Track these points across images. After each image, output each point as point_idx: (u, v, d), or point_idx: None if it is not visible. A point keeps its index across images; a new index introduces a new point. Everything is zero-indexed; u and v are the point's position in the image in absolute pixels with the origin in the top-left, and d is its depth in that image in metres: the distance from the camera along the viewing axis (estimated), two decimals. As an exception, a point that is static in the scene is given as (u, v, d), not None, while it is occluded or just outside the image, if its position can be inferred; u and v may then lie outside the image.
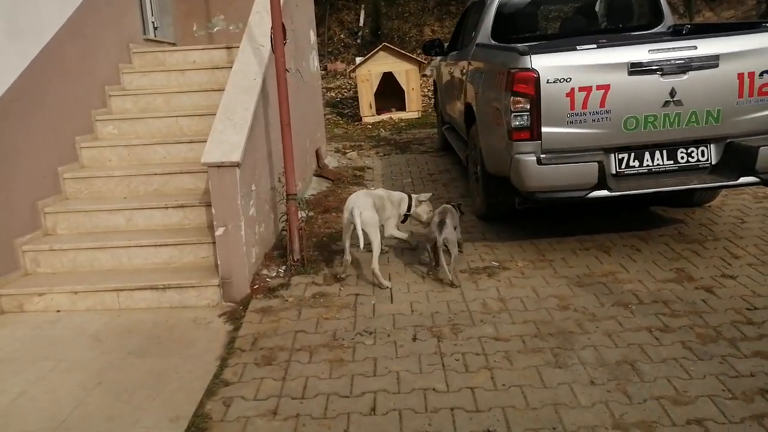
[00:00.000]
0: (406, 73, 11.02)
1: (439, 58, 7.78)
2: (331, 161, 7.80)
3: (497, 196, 4.75)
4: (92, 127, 5.36)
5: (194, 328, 3.67)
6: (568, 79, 3.66)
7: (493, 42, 5.24)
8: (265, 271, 4.27)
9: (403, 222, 4.53)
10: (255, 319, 3.67)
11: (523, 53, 3.72)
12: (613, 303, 3.57)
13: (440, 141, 8.20)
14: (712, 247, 4.30)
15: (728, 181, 3.77)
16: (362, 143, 9.26)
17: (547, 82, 3.68)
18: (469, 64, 5.34)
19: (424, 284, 4.02)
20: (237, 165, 3.84)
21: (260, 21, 5.01)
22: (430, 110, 11.76)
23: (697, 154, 3.86)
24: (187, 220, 4.49)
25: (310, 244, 4.73)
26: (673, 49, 3.63)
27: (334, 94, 13.82)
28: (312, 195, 6.24)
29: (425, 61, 12.38)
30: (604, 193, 3.76)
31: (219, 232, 3.90)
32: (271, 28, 4.09)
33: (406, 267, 4.34)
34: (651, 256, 4.23)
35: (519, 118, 3.75)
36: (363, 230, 3.89)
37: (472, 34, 5.91)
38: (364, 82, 11.04)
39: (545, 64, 3.68)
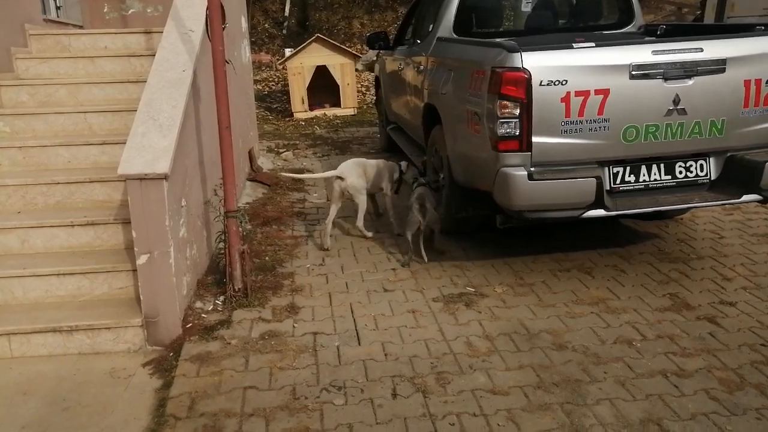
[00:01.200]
0: (340, 67, 10.35)
1: (383, 52, 7.19)
2: (265, 162, 7.05)
3: (466, 209, 4.23)
4: (-24, 124, 4.39)
5: (111, 384, 2.90)
6: (564, 82, 3.16)
7: (455, 36, 4.70)
8: (199, 304, 3.53)
9: (396, 192, 4.83)
10: (190, 370, 2.95)
11: (512, 50, 3.18)
12: (614, 340, 3.11)
13: (384, 142, 7.61)
14: (699, 267, 3.96)
15: (731, 199, 3.40)
16: (297, 142, 8.53)
17: (540, 85, 3.16)
18: (429, 60, 4.77)
19: (394, 318, 3.42)
20: (165, 177, 3.09)
21: (189, 2, 4.23)
22: (365, 107, 11.15)
23: (696, 168, 3.47)
24: (99, 240, 3.67)
25: (252, 267, 4.02)
26: (679, 51, 3.20)
27: (260, 87, 12.94)
28: (247, 203, 5.49)
29: (361, 55, 11.75)
30: (600, 212, 3.30)
31: (141, 260, 3.14)
32: (207, 8, 3.35)
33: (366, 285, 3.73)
34: (638, 278, 3.82)
35: (506, 125, 3.21)
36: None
37: (428, 27, 5.34)
38: (296, 75, 10.27)
39: (538, 63, 3.16)
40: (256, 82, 12.94)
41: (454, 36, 4.70)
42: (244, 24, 6.46)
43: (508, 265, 4.09)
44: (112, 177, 3.73)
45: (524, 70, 3.15)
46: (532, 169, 3.26)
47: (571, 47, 3.21)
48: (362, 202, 4.51)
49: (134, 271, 3.29)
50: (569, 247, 4.35)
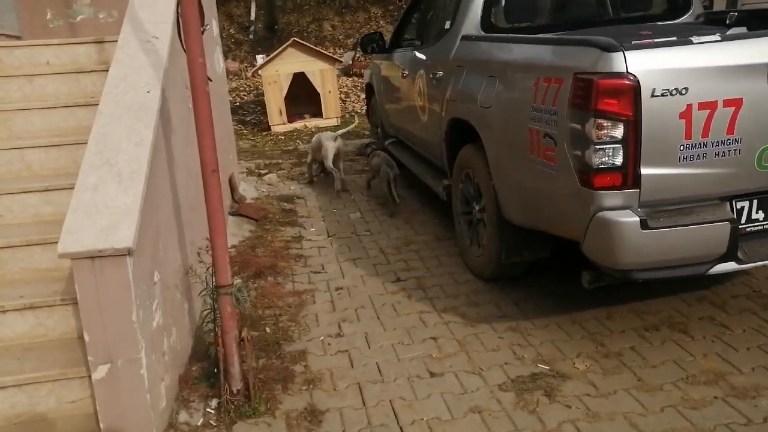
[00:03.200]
0: (321, 73, 9.39)
1: (376, 55, 6.27)
2: (248, 189, 6.05)
3: (521, 253, 3.33)
4: None
5: None
6: (684, 90, 2.28)
7: (483, 33, 3.80)
8: (184, 416, 2.55)
9: None
10: None
11: (610, 47, 2.30)
12: (772, 447, 2.25)
13: (382, 157, 6.66)
14: (821, 316, 3.13)
15: None
16: (280, 161, 7.54)
17: (653, 96, 2.28)
18: (452, 64, 3.87)
19: (456, 423, 2.49)
20: (129, 252, 2.12)
21: (151, 0, 3.25)
22: (347, 116, 10.21)
23: None
24: (42, 329, 2.67)
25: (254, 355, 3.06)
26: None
27: (231, 98, 11.88)
28: (232, 247, 4.50)
29: (341, 59, 10.80)
30: (731, 266, 2.44)
31: (99, 373, 2.17)
32: (178, 6, 2.38)
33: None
34: (749, 336, 2.98)
35: (605, 153, 2.32)
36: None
37: (442, 25, 4.44)
38: (272, 84, 9.28)
39: (648, 65, 2.28)
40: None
41: (482, 33, 3.81)
42: (215, 28, 5.47)
43: (579, 325, 3.21)
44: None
45: (629, 75, 2.26)
46: (640, 209, 2.37)
47: (690, 42, 2.33)
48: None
49: (90, 376, 2.32)
50: (642, 291, 3.48)
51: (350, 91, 12.14)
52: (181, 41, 2.34)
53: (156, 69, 2.85)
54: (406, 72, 5.05)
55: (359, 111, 10.96)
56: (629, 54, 2.26)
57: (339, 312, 3.52)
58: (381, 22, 17.12)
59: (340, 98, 10.88)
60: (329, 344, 3.16)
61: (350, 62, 13.66)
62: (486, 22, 3.80)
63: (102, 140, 2.46)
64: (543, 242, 3.30)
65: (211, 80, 2.42)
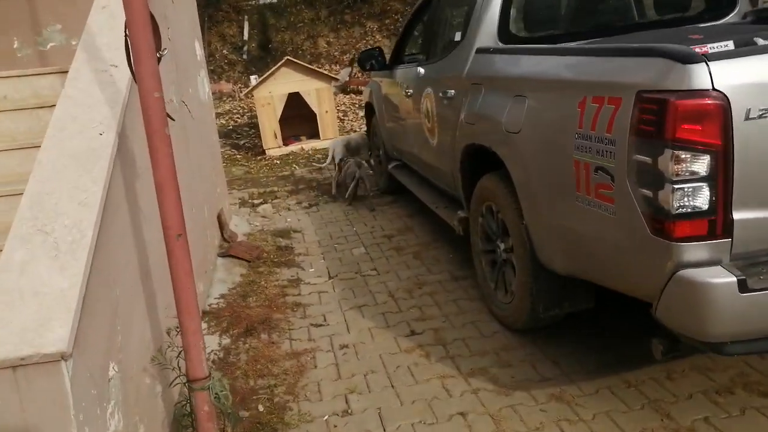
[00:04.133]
0: (316, 92, 8.89)
1: (376, 73, 5.77)
2: (239, 224, 5.52)
3: (560, 304, 2.79)
4: None
5: None
6: (786, 110, 1.75)
7: (501, 45, 3.29)
8: None
9: None
10: None
11: (688, 58, 1.77)
12: None
13: (385, 182, 6.16)
14: None
15: None
16: (275, 189, 7.01)
17: (747, 118, 1.75)
18: (467, 81, 3.36)
19: None
20: (63, 357, 1.58)
21: (109, 22, 2.74)
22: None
23: None
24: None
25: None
26: None
27: (224, 122, 11.41)
28: (220, 297, 3.96)
29: (337, 76, 10.32)
30: None
31: None
32: (126, 29, 1.86)
33: None
34: None
35: (686, 194, 1.79)
36: None
37: (451, 37, 3.94)
38: (265, 106, 8.78)
39: (740, 79, 1.75)
40: (218, 115, 11.41)
41: (500, 45, 3.29)
42: (199, 51, 4.97)
43: (636, 389, 2.65)
44: None
45: (717, 93, 1.73)
46: (733, 265, 1.82)
47: (789, 49, 1.81)
48: None
49: None
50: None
51: (348, 110, 11.66)
52: (131, 70, 1.82)
53: (113, 105, 2.33)
54: (410, 90, 4.54)
55: (358, 130, 10.46)
56: (714, 65, 1.73)
57: (345, 379, 2.97)
58: (377, 37, 16.69)
59: (338, 117, 10.39)
60: (335, 426, 2.61)
61: (347, 79, 13.21)
62: (504, 32, 3.29)
63: (37, 201, 1.93)
64: (587, 290, 2.76)
65: (172, 119, 1.90)
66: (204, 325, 3.55)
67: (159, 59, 1.81)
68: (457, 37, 3.75)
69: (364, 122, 11.04)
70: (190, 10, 4.87)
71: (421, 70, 4.34)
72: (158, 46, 1.81)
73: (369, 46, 16.68)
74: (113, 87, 2.42)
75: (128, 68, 1.91)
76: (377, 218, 5.53)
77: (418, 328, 3.40)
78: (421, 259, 4.39)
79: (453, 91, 3.58)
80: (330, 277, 4.25)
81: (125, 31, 1.79)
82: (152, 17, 1.76)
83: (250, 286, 4.14)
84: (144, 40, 1.72)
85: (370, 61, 5.46)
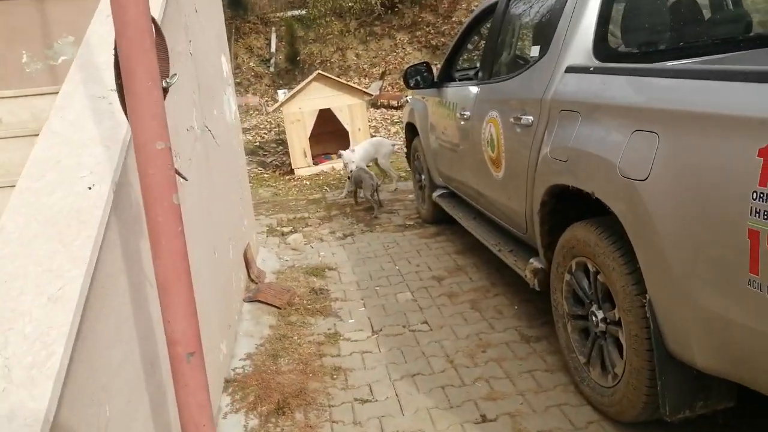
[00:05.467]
0: (349, 108, 8.33)
1: (420, 91, 5.15)
2: (267, 259, 4.92)
3: (691, 403, 2.11)
4: None
5: None
6: None
7: (597, 62, 2.64)
8: None
9: None
10: None
11: None
12: None
13: (428, 211, 5.52)
14: None
15: None
16: (306, 215, 6.41)
17: None
18: (551, 107, 2.71)
19: None
20: None
21: (112, 34, 2.14)
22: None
23: None
24: None
25: None
26: None
27: (250, 137, 10.91)
28: (245, 357, 3.35)
29: (368, 90, 9.72)
30: None
31: None
32: (115, 46, 1.25)
33: None
34: None
35: None
36: None
37: (523, 52, 3.31)
38: (295, 122, 8.23)
39: None
40: (244, 131, 10.92)
41: (596, 62, 2.64)
42: (225, 66, 4.39)
43: None
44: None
45: None
46: None
47: None
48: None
49: None
50: None
51: (380, 125, 11.10)
52: (123, 107, 1.21)
53: (109, 144, 1.73)
54: (467, 112, 3.90)
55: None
56: None
57: (404, 488, 2.32)
58: (408, 49, 16.13)
59: (370, 134, 9.80)
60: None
61: (377, 93, 12.66)
62: (602, 47, 2.64)
63: (-9, 291, 1.33)
64: (728, 387, 2.08)
65: (184, 178, 1.29)
66: (227, 399, 2.94)
67: (166, 91, 1.21)
68: (534, 52, 3.11)
69: (397, 138, 10.48)
70: (216, 21, 4.31)
71: (482, 90, 3.70)
72: (165, 72, 1.21)
73: (399, 59, 16.18)
74: (111, 119, 1.82)
75: (119, 102, 1.31)
76: (422, 252, 4.89)
77: (489, 411, 2.73)
78: (480, 311, 3.72)
79: (531, 117, 2.94)
80: (374, 332, 3.62)
81: (114, 49, 1.18)
82: (156, 27, 1.16)
83: (280, 343, 3.52)
84: (141, 62, 1.11)
85: (416, 77, 4.85)
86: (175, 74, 1.25)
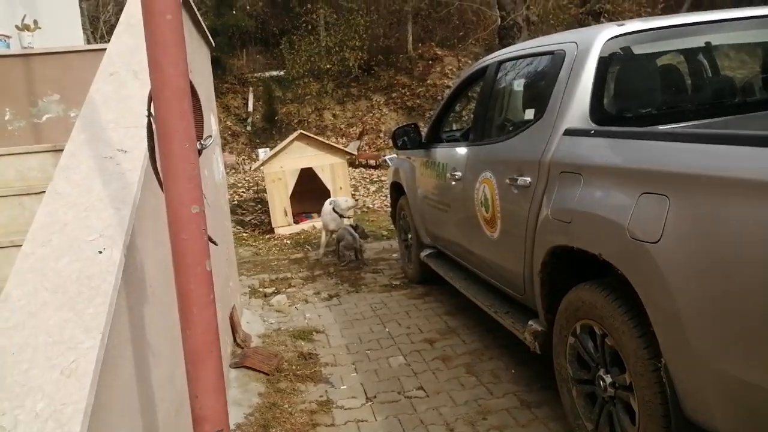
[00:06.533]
0: (331, 168, 8.37)
1: (405, 152, 5.20)
2: (252, 322, 4.79)
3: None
4: None
5: None
6: None
7: (594, 125, 2.69)
8: None
9: None
10: None
11: None
12: None
13: (415, 271, 5.48)
14: None
15: None
16: (288, 275, 6.30)
17: None
18: (551, 167, 2.74)
19: None
20: None
21: (118, 92, 2.12)
22: (359, 212, 9.09)
23: None
24: None
25: None
26: None
27: (228, 196, 10.80)
28: (235, 428, 3.18)
29: (355, 153, 9.81)
30: None
31: None
32: (149, 105, 1.22)
33: None
34: None
35: None
36: None
37: (516, 115, 3.38)
38: (276, 181, 8.21)
39: None
40: (222, 190, 10.85)
41: (593, 125, 2.69)
42: (214, 126, 4.38)
43: None
44: None
45: None
46: None
47: None
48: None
49: None
50: None
51: (359, 184, 11.16)
52: (155, 171, 1.16)
53: (119, 206, 1.67)
54: (458, 173, 3.93)
55: (371, 206, 9.89)
56: None
57: None
58: (384, 110, 16.46)
59: (351, 193, 9.83)
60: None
61: (355, 153, 12.79)
62: (598, 111, 2.70)
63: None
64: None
65: (215, 244, 1.23)
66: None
67: (199, 152, 1.17)
68: (528, 115, 3.18)
69: (377, 197, 10.52)
70: (206, 82, 4.33)
71: (474, 151, 3.75)
72: (199, 134, 1.17)
73: (375, 120, 16.46)
74: (120, 180, 1.77)
75: (151, 167, 1.26)
76: (411, 314, 4.81)
77: None
78: (476, 375, 3.64)
79: (528, 178, 2.96)
80: (368, 399, 3.49)
81: (148, 110, 1.15)
82: (192, 89, 1.13)
83: (271, 412, 3.36)
84: (179, 123, 1.08)
85: (404, 137, 4.91)
86: (210, 136, 1.21)
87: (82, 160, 1.88)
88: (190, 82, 1.15)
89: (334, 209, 6.74)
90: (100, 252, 1.51)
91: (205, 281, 1.15)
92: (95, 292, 1.41)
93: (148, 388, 1.71)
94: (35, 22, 4.92)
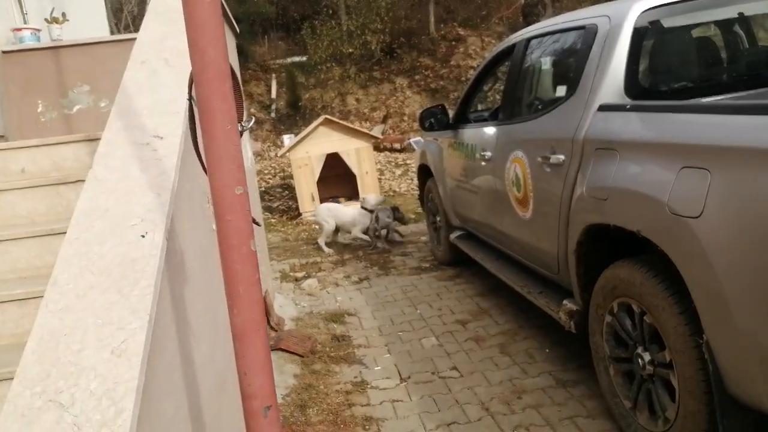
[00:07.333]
0: (356, 152, 8.36)
1: (433, 133, 5.17)
2: (284, 305, 4.84)
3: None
4: None
5: None
6: None
7: (630, 100, 2.64)
8: None
9: None
10: None
11: None
12: None
13: (445, 253, 5.47)
14: None
15: None
16: (318, 259, 6.35)
17: None
18: (585, 145, 2.70)
19: None
20: None
21: (151, 80, 2.14)
22: (384, 196, 9.08)
23: None
24: None
25: None
26: None
27: (256, 183, 10.90)
28: (275, 408, 3.23)
29: (380, 137, 9.80)
30: None
31: None
32: (190, 89, 1.22)
33: None
34: None
35: None
36: None
37: (547, 93, 3.32)
38: (302, 167, 8.24)
39: None
40: (249, 177, 10.94)
41: (628, 100, 2.64)
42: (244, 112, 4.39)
43: None
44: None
45: None
46: None
47: None
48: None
49: None
50: None
51: (384, 168, 11.13)
52: (198, 154, 1.17)
53: (159, 191, 1.69)
54: (488, 153, 3.90)
55: (397, 190, 9.88)
56: None
57: None
58: (408, 93, 16.36)
59: (377, 178, 9.83)
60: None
61: (380, 136, 12.77)
62: (633, 85, 2.64)
63: (49, 347, 1.26)
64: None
65: (258, 224, 1.24)
66: (257, 454, 2.81)
67: (241, 133, 1.18)
68: (560, 92, 3.12)
69: (402, 181, 10.50)
70: (236, 67, 4.34)
71: (503, 131, 3.71)
72: (240, 115, 1.18)
73: (399, 103, 16.38)
74: (158, 166, 1.79)
75: (194, 149, 1.27)
76: (442, 296, 4.81)
77: None
78: (510, 355, 3.63)
79: (561, 156, 2.92)
80: (402, 380, 3.51)
81: (189, 93, 1.16)
82: (232, 71, 1.13)
83: (307, 392, 3.41)
84: (221, 104, 1.08)
85: (431, 119, 4.88)
86: (252, 117, 1.21)
87: (120, 146, 1.90)
88: (230, 64, 1.15)
89: (362, 206, 6.70)
90: (143, 236, 1.54)
91: (250, 261, 1.17)
92: (140, 275, 1.43)
93: (190, 368, 1.74)
94: (63, 14, 4.98)
